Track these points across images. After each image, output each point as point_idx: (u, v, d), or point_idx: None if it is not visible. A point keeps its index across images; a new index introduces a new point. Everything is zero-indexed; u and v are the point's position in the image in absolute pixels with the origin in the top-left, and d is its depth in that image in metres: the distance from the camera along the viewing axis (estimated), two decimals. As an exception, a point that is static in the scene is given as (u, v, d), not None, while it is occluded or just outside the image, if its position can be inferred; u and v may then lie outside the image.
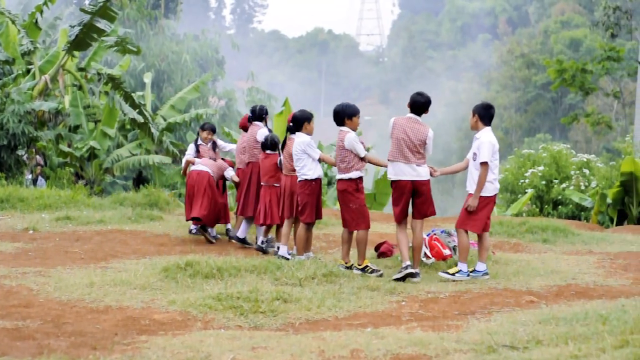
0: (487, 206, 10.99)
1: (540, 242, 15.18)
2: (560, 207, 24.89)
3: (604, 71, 42.93)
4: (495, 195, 11.08)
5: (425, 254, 11.74)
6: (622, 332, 6.53)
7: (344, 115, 11.36)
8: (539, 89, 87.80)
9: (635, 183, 20.85)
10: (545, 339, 6.65)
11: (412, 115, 11.02)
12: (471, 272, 11.08)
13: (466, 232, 11.01)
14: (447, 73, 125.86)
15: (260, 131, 13.76)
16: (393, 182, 11.06)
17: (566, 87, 44.79)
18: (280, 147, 12.98)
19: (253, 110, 14.10)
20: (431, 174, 11.13)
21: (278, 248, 12.82)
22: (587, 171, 25.46)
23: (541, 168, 25.63)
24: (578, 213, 24.36)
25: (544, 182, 25.32)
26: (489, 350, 6.47)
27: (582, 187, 24.66)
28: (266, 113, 14.09)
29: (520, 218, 18.71)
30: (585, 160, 26.25)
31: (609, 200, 21.61)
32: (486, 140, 10.86)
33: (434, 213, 11.23)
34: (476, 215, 10.91)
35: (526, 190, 25.56)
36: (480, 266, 11.11)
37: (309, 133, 12.19)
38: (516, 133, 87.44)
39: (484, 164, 10.81)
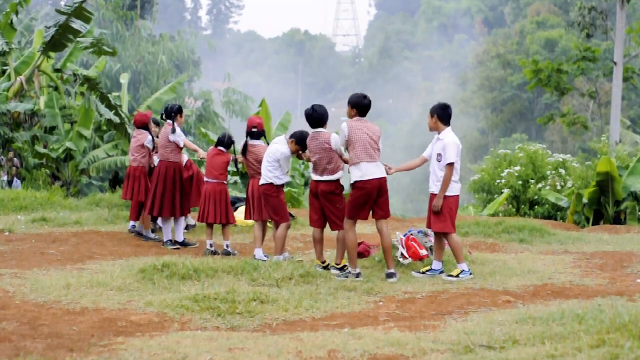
0: (455, 205, 11.04)
1: (517, 242, 15.24)
2: (536, 207, 24.98)
3: (579, 71, 43.23)
4: (458, 195, 11.14)
5: (402, 254, 11.74)
6: (598, 331, 6.55)
7: (326, 118, 11.26)
8: (515, 89, 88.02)
9: (611, 183, 20.96)
10: (522, 339, 6.66)
11: (360, 117, 10.90)
12: (427, 270, 11.18)
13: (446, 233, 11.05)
14: (423, 73, 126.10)
15: (170, 130, 13.63)
16: (359, 183, 10.77)
17: (542, 87, 45.07)
18: (240, 149, 12.83)
19: (166, 109, 13.77)
20: (387, 172, 11.07)
21: (211, 245, 13.07)
22: (563, 171, 25.55)
23: (517, 168, 25.71)
24: (554, 213, 24.46)
25: (520, 182, 25.40)
26: (466, 350, 6.49)
27: (558, 187, 24.76)
28: (177, 112, 13.78)
29: (496, 218, 18.77)
30: (561, 160, 26.34)
31: (584, 200, 21.71)
32: (451, 141, 10.92)
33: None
34: (446, 215, 10.94)
35: (502, 190, 25.64)
36: (437, 265, 11.22)
37: (293, 151, 11.96)
38: (492, 133, 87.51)
39: (450, 165, 10.86)
